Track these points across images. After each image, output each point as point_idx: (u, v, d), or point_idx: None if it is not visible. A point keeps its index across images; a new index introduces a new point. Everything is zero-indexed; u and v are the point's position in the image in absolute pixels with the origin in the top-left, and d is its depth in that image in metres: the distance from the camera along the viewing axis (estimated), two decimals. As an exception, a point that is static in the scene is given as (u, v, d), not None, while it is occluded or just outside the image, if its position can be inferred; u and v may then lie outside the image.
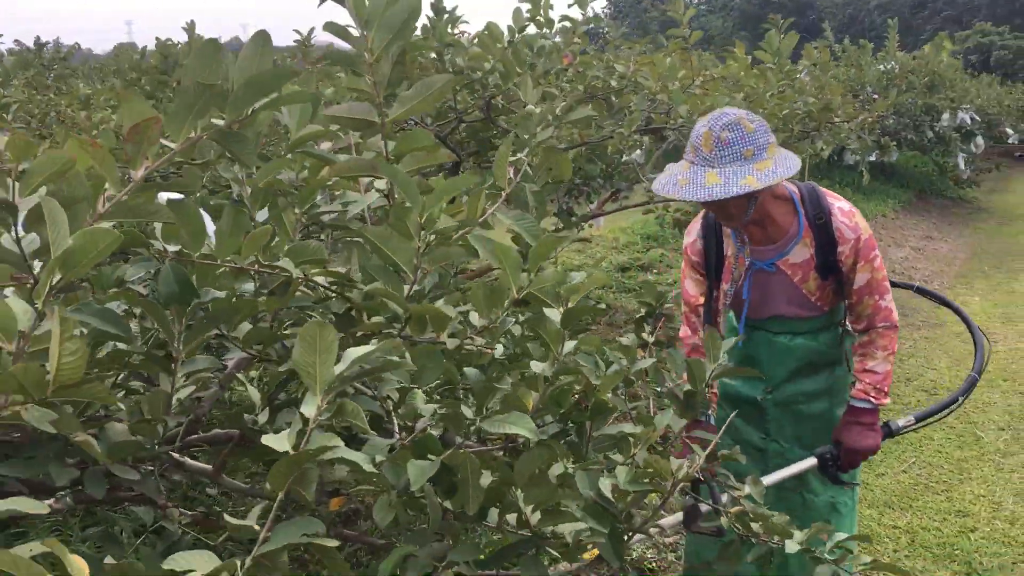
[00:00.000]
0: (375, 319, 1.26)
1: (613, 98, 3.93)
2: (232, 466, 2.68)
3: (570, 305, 1.50)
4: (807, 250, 2.45)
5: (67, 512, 1.42)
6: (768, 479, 2.47)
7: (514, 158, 1.63)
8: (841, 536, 1.76)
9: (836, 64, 12.50)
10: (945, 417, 2.65)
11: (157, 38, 5.81)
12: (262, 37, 1.06)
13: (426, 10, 4.02)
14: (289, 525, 0.97)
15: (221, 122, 1.07)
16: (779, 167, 2.21)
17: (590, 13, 3.58)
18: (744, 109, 2.34)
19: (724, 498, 2.36)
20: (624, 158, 4.88)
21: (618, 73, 3.85)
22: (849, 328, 2.62)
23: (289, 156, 1.52)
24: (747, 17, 49.03)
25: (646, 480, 1.65)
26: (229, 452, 1.35)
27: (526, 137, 1.65)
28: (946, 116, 13.79)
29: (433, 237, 1.22)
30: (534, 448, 1.26)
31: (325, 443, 0.96)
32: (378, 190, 1.39)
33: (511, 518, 1.38)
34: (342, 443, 0.97)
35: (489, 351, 1.31)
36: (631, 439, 1.77)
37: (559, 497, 1.31)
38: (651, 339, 2.10)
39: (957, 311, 2.93)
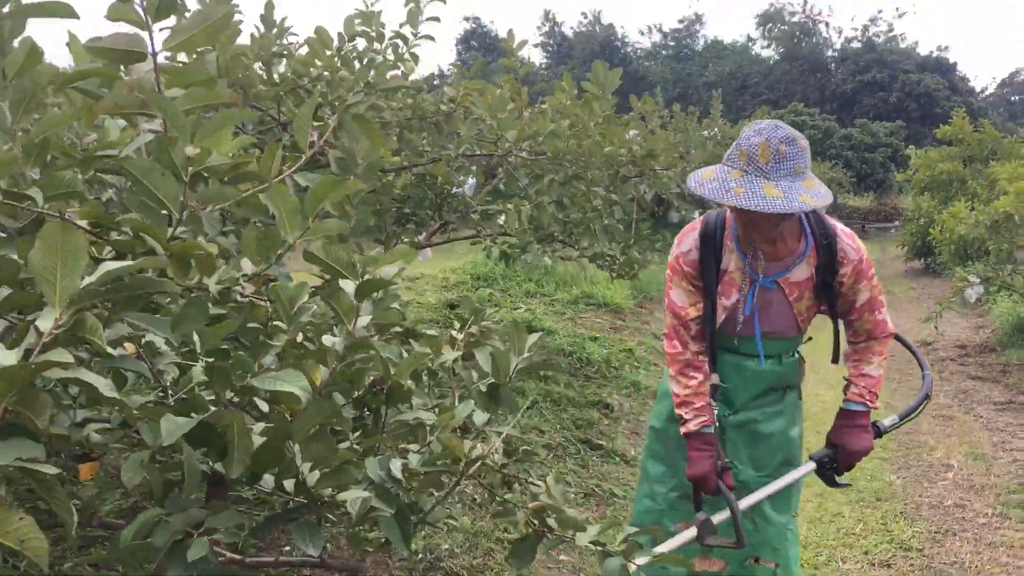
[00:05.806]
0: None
1: (442, 123, 3.92)
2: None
3: (367, 286, 1.43)
4: (809, 269, 2.44)
5: None
6: (768, 488, 2.51)
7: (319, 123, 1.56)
8: (632, 530, 1.79)
9: (664, 129, 13.15)
10: (919, 414, 2.70)
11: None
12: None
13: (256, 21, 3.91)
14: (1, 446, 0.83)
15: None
16: (820, 189, 2.20)
17: (422, 32, 3.58)
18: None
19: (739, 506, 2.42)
20: (454, 190, 4.86)
21: (448, 97, 3.85)
22: (801, 355, 2.66)
23: (64, 109, 1.40)
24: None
25: (440, 463, 1.59)
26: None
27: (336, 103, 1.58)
28: (763, 183, 14.74)
29: (207, 177, 1.13)
30: (312, 403, 1.18)
31: (57, 358, 0.84)
32: (152, 131, 1.28)
33: (288, 484, 1.28)
34: (72, 359, 0.85)
35: (261, 302, 1.22)
36: (427, 427, 1.71)
37: (339, 457, 1.22)
38: (460, 336, 2.06)
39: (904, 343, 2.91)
